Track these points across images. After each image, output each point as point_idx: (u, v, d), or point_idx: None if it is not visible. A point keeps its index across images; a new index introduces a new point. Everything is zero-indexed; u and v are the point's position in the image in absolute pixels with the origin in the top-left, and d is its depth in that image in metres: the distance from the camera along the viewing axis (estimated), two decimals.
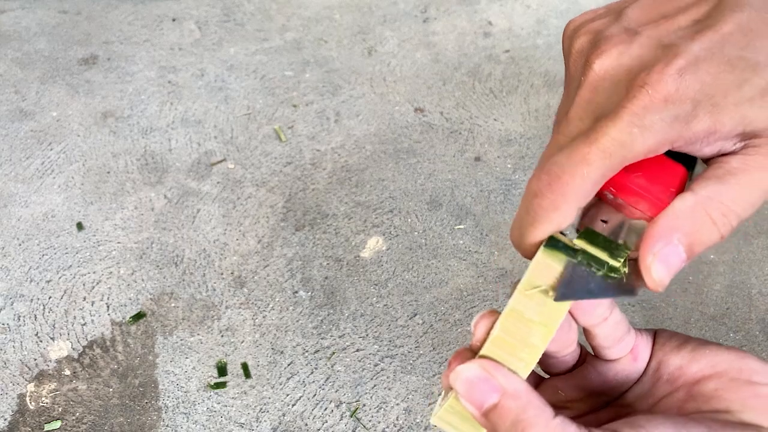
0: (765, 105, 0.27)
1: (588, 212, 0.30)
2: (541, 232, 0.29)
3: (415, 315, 0.77)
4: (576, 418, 0.29)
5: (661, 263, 0.28)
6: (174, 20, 1.23)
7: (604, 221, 0.29)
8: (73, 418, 0.69)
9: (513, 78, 1.09)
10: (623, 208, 0.30)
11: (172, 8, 1.26)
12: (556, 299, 0.27)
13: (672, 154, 0.29)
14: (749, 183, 0.28)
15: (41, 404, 0.70)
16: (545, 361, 0.31)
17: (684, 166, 0.29)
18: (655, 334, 0.32)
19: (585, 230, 0.29)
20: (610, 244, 0.29)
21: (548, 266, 0.28)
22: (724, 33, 0.27)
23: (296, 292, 0.79)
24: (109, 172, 0.94)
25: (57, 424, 0.68)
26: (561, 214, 0.28)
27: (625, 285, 0.29)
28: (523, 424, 0.27)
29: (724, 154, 0.28)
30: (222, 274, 0.81)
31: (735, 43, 0.27)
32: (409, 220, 0.87)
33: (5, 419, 0.69)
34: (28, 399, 0.70)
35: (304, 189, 0.91)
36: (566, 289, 0.28)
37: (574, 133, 0.29)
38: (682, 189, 0.28)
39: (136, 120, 1.02)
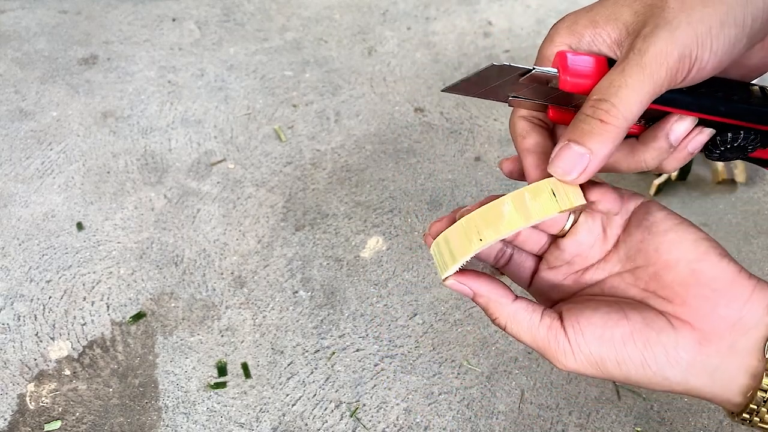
0: (632, 7, 0.34)
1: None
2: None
3: (415, 315, 0.77)
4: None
5: (558, 162, 0.34)
6: (174, 20, 1.23)
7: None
8: (73, 418, 0.69)
9: None
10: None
11: (172, 8, 1.26)
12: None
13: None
14: (613, 72, 0.33)
15: (41, 404, 0.70)
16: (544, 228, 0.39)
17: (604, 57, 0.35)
18: (635, 209, 0.38)
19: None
20: None
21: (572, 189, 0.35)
22: None
23: (296, 292, 0.79)
24: (109, 172, 0.94)
25: (57, 424, 0.68)
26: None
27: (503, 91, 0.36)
28: (490, 311, 0.38)
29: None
30: (222, 274, 0.81)
31: None
32: (409, 220, 0.87)
33: (5, 419, 0.69)
34: (28, 399, 0.70)
35: (304, 189, 0.91)
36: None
37: None
38: (581, 58, 0.34)
39: (136, 120, 1.02)
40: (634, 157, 0.36)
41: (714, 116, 0.35)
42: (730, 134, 0.35)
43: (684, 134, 0.35)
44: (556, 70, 0.34)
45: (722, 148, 0.36)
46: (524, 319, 0.36)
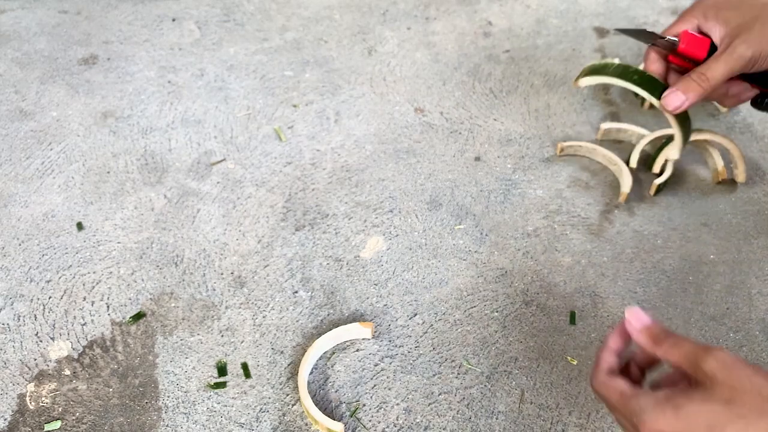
0: (738, 16, 0.62)
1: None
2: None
3: (415, 315, 0.77)
4: None
5: (669, 100, 0.65)
6: (174, 20, 1.23)
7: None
8: (73, 418, 0.69)
9: (513, 78, 1.09)
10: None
11: (172, 8, 1.26)
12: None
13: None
14: (715, 60, 0.62)
15: (41, 404, 0.70)
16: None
17: (710, 39, 0.64)
18: None
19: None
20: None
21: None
22: None
23: (296, 292, 0.79)
24: (109, 172, 0.94)
25: (57, 424, 0.68)
26: (670, 28, 0.68)
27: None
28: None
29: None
30: (222, 274, 0.81)
31: None
32: (409, 220, 0.87)
33: (5, 419, 0.69)
34: (28, 399, 0.70)
35: (304, 189, 0.91)
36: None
37: None
38: (697, 37, 0.65)
39: (136, 120, 1.02)
40: (717, 91, 0.67)
41: (762, 87, 0.68)
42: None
43: (738, 92, 0.69)
44: (677, 39, 0.64)
45: (766, 101, 0.69)
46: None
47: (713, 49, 0.63)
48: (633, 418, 0.43)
